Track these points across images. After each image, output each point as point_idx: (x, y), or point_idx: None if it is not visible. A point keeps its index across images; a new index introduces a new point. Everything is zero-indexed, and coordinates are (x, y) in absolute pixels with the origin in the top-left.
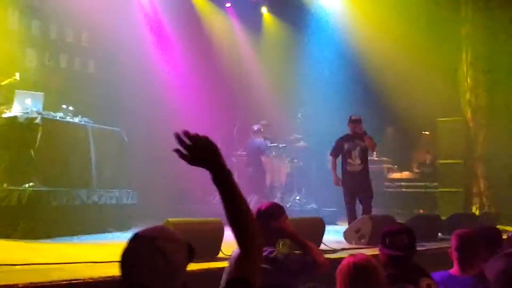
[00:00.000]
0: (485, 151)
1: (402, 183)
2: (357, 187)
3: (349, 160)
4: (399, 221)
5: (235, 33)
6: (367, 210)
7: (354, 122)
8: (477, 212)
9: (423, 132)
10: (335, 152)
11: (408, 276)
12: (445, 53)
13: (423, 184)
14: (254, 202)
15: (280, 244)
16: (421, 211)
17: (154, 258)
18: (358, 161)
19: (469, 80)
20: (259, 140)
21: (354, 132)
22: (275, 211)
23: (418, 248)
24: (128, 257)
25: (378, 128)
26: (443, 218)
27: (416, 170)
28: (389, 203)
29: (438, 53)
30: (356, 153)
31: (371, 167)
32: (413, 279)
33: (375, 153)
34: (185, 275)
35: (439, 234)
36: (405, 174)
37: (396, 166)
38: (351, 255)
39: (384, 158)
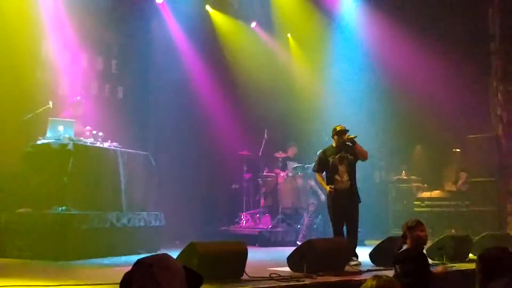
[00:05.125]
0: None
1: (433, 202)
2: (346, 207)
3: (336, 177)
4: (429, 241)
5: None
6: (353, 231)
7: (339, 133)
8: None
9: (454, 150)
10: (319, 167)
11: None
12: (475, 69)
13: (454, 203)
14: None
15: None
16: (452, 231)
17: (147, 283)
18: (346, 177)
19: (500, 95)
20: None
21: (340, 144)
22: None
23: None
24: (125, 281)
25: (407, 146)
26: (476, 238)
27: (455, 189)
28: None
29: (467, 69)
30: (343, 168)
31: (400, 186)
32: None
33: (404, 172)
34: None
35: (470, 254)
36: (436, 193)
37: (426, 185)
38: (376, 276)
39: (413, 177)
